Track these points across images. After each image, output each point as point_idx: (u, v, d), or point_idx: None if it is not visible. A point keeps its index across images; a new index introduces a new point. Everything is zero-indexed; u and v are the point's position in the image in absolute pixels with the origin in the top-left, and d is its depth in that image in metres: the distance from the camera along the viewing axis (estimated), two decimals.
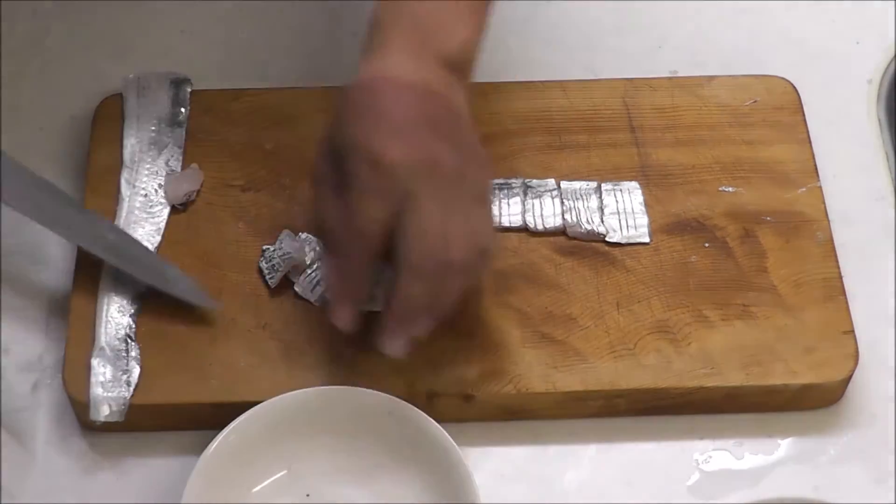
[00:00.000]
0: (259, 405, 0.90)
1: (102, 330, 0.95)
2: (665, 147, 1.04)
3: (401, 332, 0.90)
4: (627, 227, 1.01)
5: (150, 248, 0.99)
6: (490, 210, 0.91)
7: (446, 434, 0.89)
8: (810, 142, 1.05)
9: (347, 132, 0.88)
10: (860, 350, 0.95)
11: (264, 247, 0.97)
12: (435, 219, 0.87)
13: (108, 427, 0.93)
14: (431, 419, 0.90)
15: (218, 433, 0.90)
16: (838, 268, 0.99)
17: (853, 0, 1.15)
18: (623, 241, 1.00)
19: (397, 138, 0.87)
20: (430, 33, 0.90)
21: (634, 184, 1.02)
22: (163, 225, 1.00)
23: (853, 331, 0.96)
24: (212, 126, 1.05)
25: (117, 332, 0.95)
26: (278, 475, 0.92)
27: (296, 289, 0.96)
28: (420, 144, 0.87)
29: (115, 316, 0.95)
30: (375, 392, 0.91)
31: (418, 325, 0.90)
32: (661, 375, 0.94)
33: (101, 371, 0.93)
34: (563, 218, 1.00)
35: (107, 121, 1.04)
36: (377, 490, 0.91)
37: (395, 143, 0.86)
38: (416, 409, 0.90)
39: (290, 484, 0.92)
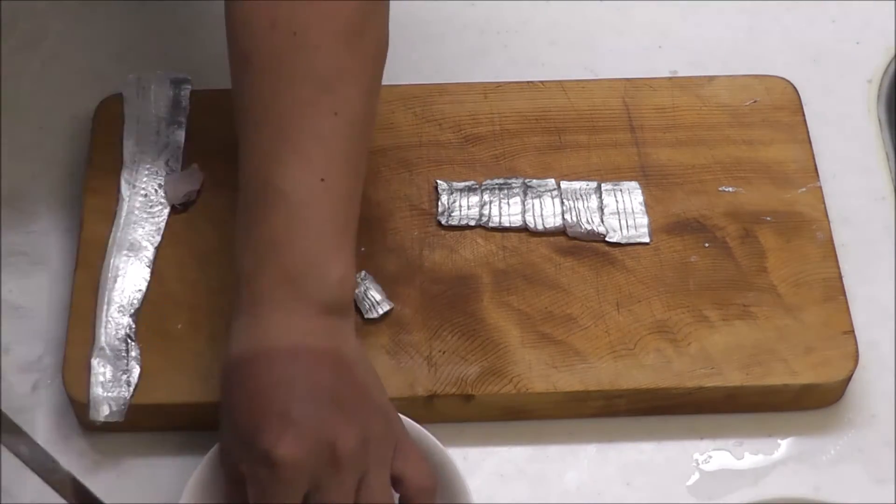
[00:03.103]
0: None
1: (102, 330, 0.95)
2: (665, 147, 1.04)
3: None
4: (627, 227, 1.01)
5: (151, 248, 0.99)
6: (400, 460, 0.85)
7: (442, 447, 0.89)
8: (810, 142, 1.05)
9: (240, 424, 0.82)
10: (860, 350, 0.95)
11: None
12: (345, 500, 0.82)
13: (108, 427, 0.93)
14: (427, 432, 0.89)
15: (216, 437, 0.89)
16: (838, 268, 0.99)
17: (853, 0, 1.15)
18: (623, 241, 1.00)
19: (286, 430, 0.80)
20: (302, 282, 0.84)
21: (634, 184, 1.02)
22: (163, 225, 1.00)
23: (853, 331, 0.96)
24: (212, 126, 1.04)
25: (117, 332, 0.95)
26: None
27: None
28: (313, 429, 0.81)
29: (115, 316, 0.95)
30: None
31: None
32: (661, 375, 0.94)
33: (101, 371, 0.93)
34: (563, 218, 1.00)
35: (107, 121, 1.04)
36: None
37: (285, 438, 0.80)
38: (412, 421, 0.89)
39: None
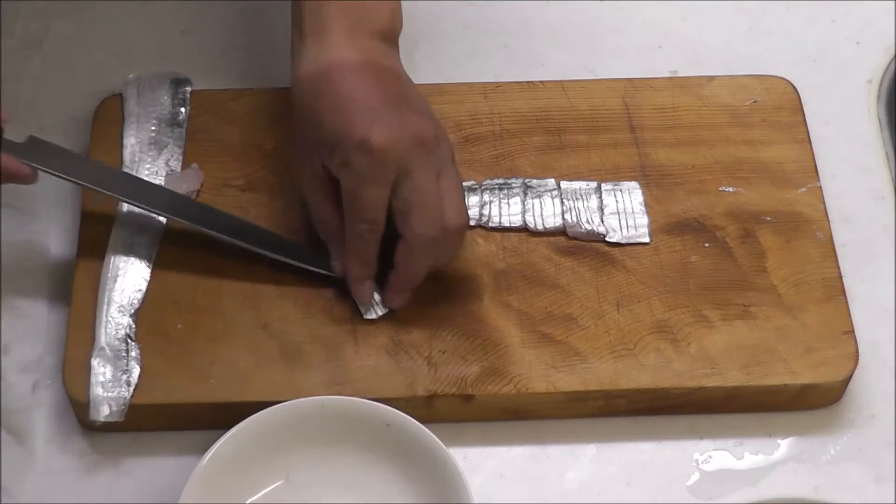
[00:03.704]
0: (257, 414, 0.90)
1: (102, 330, 0.95)
2: (665, 147, 1.04)
3: (406, 290, 0.95)
4: (627, 227, 1.01)
5: (151, 248, 0.98)
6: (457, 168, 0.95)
7: (443, 446, 0.89)
8: (810, 142, 1.05)
9: (325, 126, 0.92)
10: (860, 350, 0.95)
11: None
12: (429, 190, 0.92)
13: (108, 427, 0.93)
14: (429, 431, 0.89)
15: (216, 437, 0.89)
16: (838, 268, 0.99)
17: (853, 0, 1.15)
18: (623, 241, 1.00)
19: (377, 120, 0.91)
20: (360, 10, 0.95)
21: (634, 184, 1.02)
22: (163, 225, 1.00)
23: (853, 331, 0.96)
24: (212, 126, 1.05)
25: (117, 332, 0.95)
26: (276, 484, 0.92)
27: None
28: (398, 121, 0.91)
29: (115, 316, 0.95)
30: (373, 403, 0.91)
31: (419, 281, 0.95)
32: (661, 375, 0.94)
33: (101, 371, 0.93)
34: (563, 218, 1.00)
35: (107, 121, 1.04)
36: (374, 501, 0.91)
37: (377, 126, 0.90)
38: (413, 420, 0.90)
39: (287, 493, 0.92)
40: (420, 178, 0.91)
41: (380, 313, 0.96)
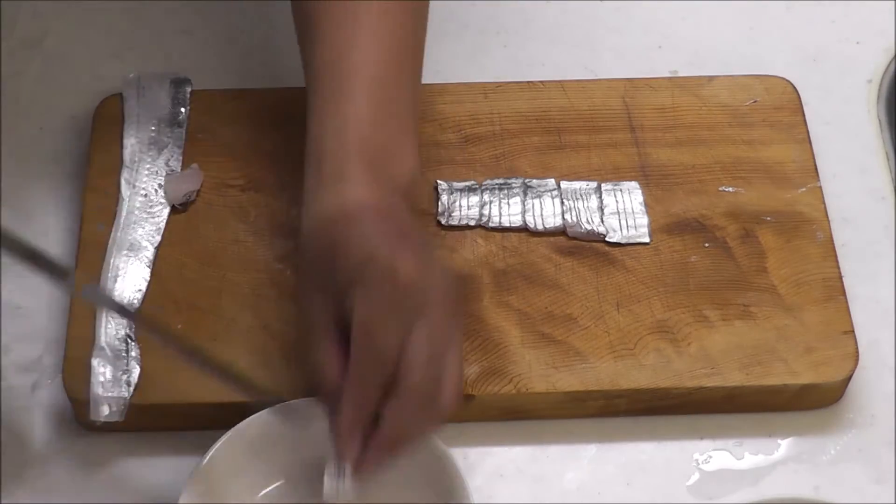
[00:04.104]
0: (257, 413, 0.90)
1: (102, 330, 0.95)
2: (665, 147, 1.04)
3: (392, 452, 0.84)
4: (627, 227, 1.01)
5: (151, 248, 0.99)
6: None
7: (443, 445, 0.89)
8: (810, 142, 1.05)
9: (347, 261, 0.83)
10: (860, 350, 0.95)
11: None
12: (440, 342, 0.84)
13: (108, 427, 0.93)
14: (445, 448, 0.89)
15: (216, 437, 0.89)
16: (838, 268, 0.99)
17: (853, 0, 1.15)
18: (623, 241, 1.00)
19: (405, 251, 0.83)
20: (382, 164, 0.88)
21: (634, 184, 1.02)
22: (163, 225, 1.00)
23: (853, 331, 0.96)
24: (212, 126, 1.05)
25: (117, 332, 0.95)
26: (276, 485, 0.92)
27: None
28: (421, 258, 0.84)
29: (115, 316, 0.95)
30: None
31: (406, 447, 0.85)
32: (661, 375, 0.94)
33: (101, 371, 0.93)
34: (563, 218, 1.00)
35: (107, 121, 1.04)
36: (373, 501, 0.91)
37: (404, 256, 0.83)
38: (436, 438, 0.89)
39: (287, 494, 0.91)
40: (435, 324, 0.83)
41: (343, 501, 0.85)
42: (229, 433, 0.89)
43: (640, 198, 1.02)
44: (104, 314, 0.95)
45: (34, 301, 0.99)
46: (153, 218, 1.00)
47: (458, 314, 0.86)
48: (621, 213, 1.01)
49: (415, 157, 0.91)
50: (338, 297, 0.83)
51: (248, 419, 0.90)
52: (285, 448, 0.91)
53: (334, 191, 0.87)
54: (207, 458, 0.88)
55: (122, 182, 1.01)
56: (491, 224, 1.00)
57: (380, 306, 0.82)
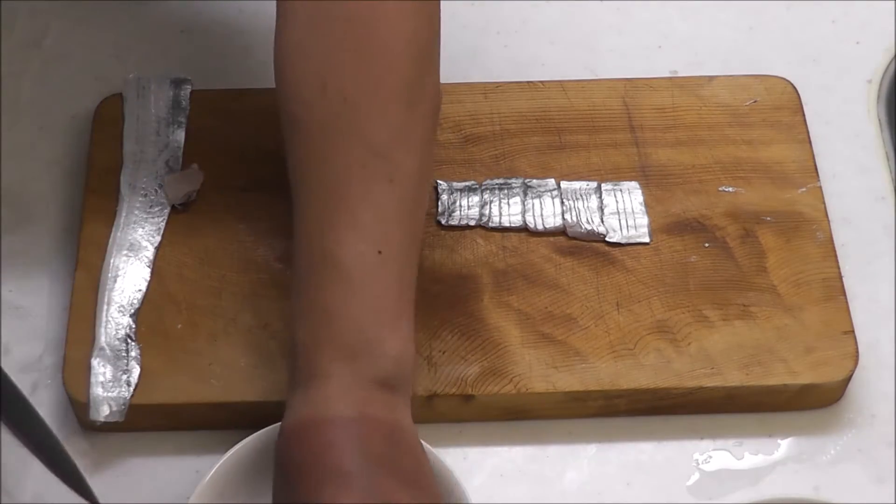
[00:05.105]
0: (276, 424, 0.88)
1: (102, 330, 0.95)
2: (665, 147, 1.04)
3: None
4: (627, 227, 1.01)
5: (151, 248, 0.99)
6: None
7: (449, 468, 0.88)
8: (810, 142, 1.05)
9: (297, 489, 0.81)
10: (860, 350, 0.95)
11: None
12: None
13: (108, 427, 0.93)
14: (433, 450, 0.88)
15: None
16: (838, 268, 0.99)
17: (853, 0, 1.15)
18: (623, 241, 1.00)
19: (348, 488, 0.80)
20: (360, 355, 0.83)
21: (634, 184, 1.02)
22: (163, 225, 1.00)
23: (853, 331, 0.96)
24: (212, 126, 1.05)
25: (117, 332, 0.95)
26: None
27: None
28: (371, 489, 0.80)
29: (115, 316, 0.95)
30: None
31: None
32: (661, 375, 0.94)
33: (101, 371, 0.93)
34: (563, 218, 1.00)
35: (107, 121, 1.04)
36: None
37: (344, 493, 0.80)
38: (428, 446, 0.88)
39: None
40: None
41: None
42: (252, 437, 0.89)
43: (640, 198, 1.02)
44: (104, 314, 0.95)
45: (34, 301, 0.99)
46: (153, 218, 1.00)
47: None
48: (621, 213, 1.01)
49: (402, 341, 0.84)
50: None
51: (273, 426, 0.89)
52: None
53: (303, 398, 0.83)
54: (226, 457, 0.88)
55: (122, 182, 1.01)
56: (491, 224, 1.00)
57: None
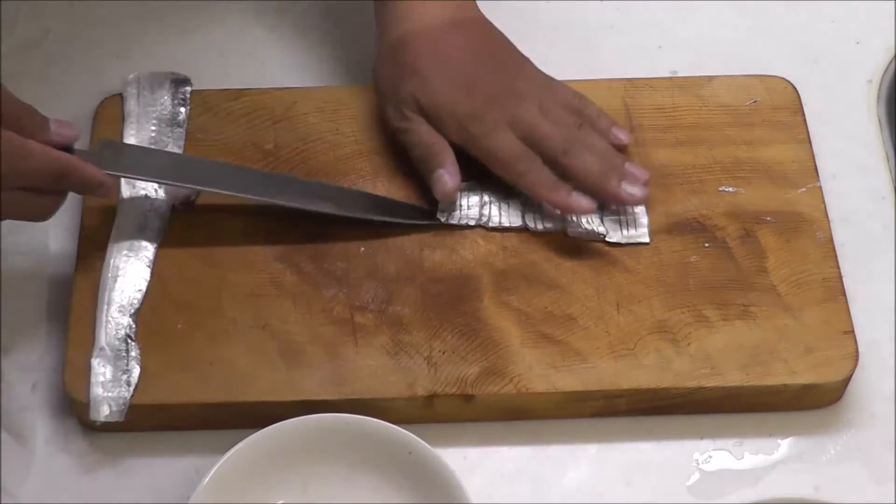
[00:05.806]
0: (281, 423, 0.90)
1: (102, 330, 0.95)
2: (665, 147, 1.04)
3: (626, 177, 0.99)
4: (627, 227, 1.01)
5: (151, 248, 0.99)
6: None
7: (457, 474, 0.88)
8: (810, 142, 1.05)
9: (450, 83, 0.99)
10: (860, 350, 0.95)
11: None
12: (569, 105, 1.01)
13: (108, 427, 0.93)
14: (447, 463, 0.89)
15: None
16: (838, 268, 0.99)
17: (853, 0, 1.15)
18: (623, 241, 1.00)
19: (526, 65, 1.02)
20: None
21: None
22: (163, 225, 1.00)
23: (853, 331, 0.96)
24: (212, 126, 1.05)
25: (117, 332, 0.95)
26: (291, 497, 0.91)
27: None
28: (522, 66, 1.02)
29: (115, 316, 0.95)
30: (398, 429, 0.90)
31: (618, 163, 1.00)
32: (661, 375, 0.94)
33: (101, 371, 0.93)
34: (563, 218, 1.00)
35: (107, 121, 1.04)
36: None
37: (527, 66, 1.01)
38: (435, 451, 0.89)
39: None
40: (552, 108, 1.00)
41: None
42: (251, 437, 0.89)
43: None
44: (104, 314, 0.95)
45: (34, 301, 0.99)
46: (153, 218, 1.00)
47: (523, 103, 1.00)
48: (621, 212, 1.01)
49: None
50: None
51: (272, 426, 0.89)
52: (304, 461, 0.90)
53: (402, 9, 1.00)
54: (226, 457, 0.88)
55: (123, 182, 1.01)
56: (491, 224, 1.00)
57: (507, 114, 0.99)
